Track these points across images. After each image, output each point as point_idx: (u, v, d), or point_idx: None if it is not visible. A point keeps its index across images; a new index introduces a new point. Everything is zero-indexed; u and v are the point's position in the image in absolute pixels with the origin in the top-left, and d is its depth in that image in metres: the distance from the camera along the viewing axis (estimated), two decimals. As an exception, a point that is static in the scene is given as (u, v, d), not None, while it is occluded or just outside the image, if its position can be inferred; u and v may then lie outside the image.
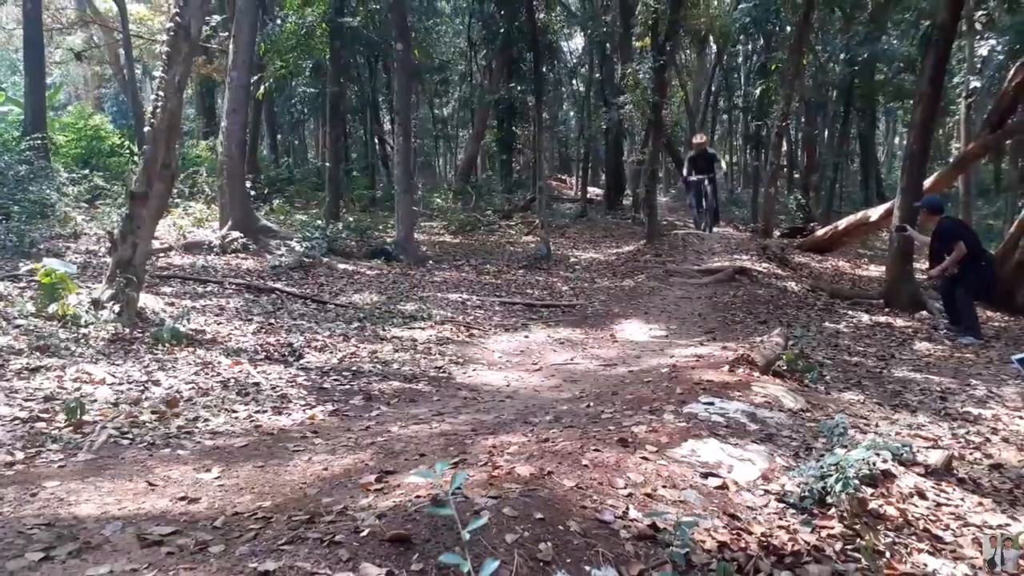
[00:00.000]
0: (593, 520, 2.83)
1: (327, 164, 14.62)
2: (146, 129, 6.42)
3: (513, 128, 20.88)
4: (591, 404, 4.73)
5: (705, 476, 3.43)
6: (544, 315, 8.74)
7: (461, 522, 2.01)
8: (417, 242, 12.33)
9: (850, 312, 8.93)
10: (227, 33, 11.96)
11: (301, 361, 5.98)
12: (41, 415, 4.38)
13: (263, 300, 8.09)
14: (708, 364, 5.78)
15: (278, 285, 8.77)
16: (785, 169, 21.24)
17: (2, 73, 31.00)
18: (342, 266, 10.54)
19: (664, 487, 3.23)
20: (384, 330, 7.27)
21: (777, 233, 15.34)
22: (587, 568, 2.51)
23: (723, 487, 3.34)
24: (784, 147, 19.03)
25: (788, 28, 17.93)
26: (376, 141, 21.79)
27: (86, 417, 4.29)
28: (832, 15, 17.62)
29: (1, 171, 10.91)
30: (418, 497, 2.89)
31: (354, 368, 5.91)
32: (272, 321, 7.23)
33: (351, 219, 13.51)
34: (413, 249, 11.66)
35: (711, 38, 21.72)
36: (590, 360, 6.70)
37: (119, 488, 3.35)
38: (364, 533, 2.52)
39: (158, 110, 6.20)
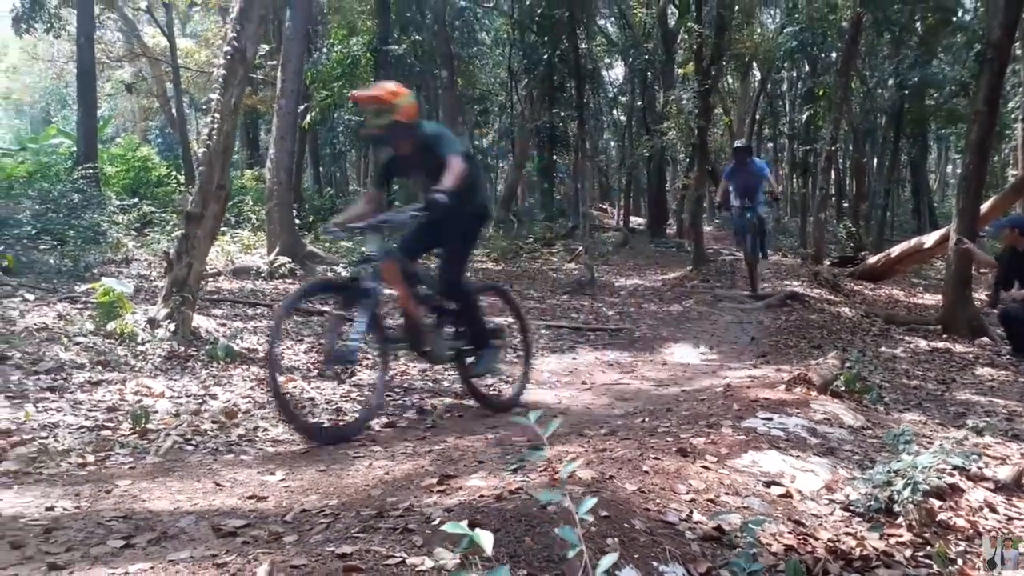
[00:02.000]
0: (657, 521, 2.81)
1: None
2: (201, 151, 6.63)
3: (554, 156, 21.05)
4: (645, 419, 4.70)
5: (767, 485, 3.38)
6: (591, 338, 8.71)
7: (573, 502, 2.01)
8: (461, 267, 12.41)
9: (906, 338, 8.75)
10: (275, 62, 12.33)
11: (353, 378, 6.05)
12: (106, 424, 4.51)
13: (312, 322, 8.22)
14: (763, 384, 5.70)
15: (326, 308, 8.91)
16: (834, 198, 21.01)
17: (54, 107, 32.33)
18: (387, 290, 10.64)
19: (726, 494, 3.19)
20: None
21: (827, 263, 15.12)
22: (654, 564, 2.50)
23: (786, 495, 3.29)
24: (832, 174, 18.84)
25: (834, 54, 17.89)
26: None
27: (149, 425, 4.41)
28: (880, 39, 17.50)
29: (56, 199, 11.34)
30: (482, 496, 2.90)
31: (405, 385, 5.97)
32: (322, 342, 7.33)
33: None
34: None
35: (755, 64, 21.71)
36: (640, 381, 6.67)
37: (188, 487, 3.43)
38: (435, 522, 2.55)
39: (213, 132, 6.40)
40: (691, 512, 2.89)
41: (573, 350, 8.03)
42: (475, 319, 5.05)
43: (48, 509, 3.13)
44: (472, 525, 2.54)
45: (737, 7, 15.76)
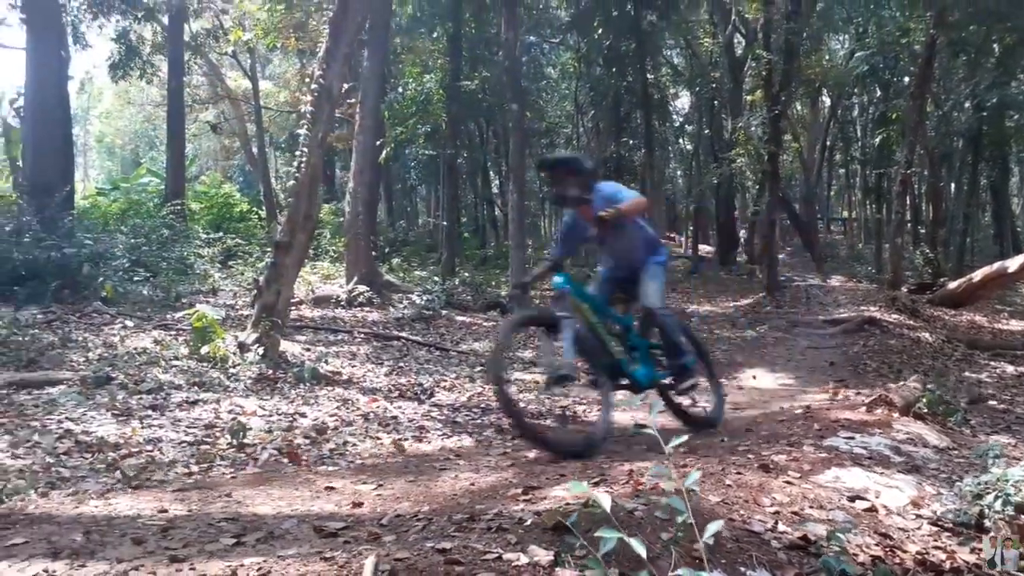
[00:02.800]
0: (742, 529, 2.85)
1: (443, 224, 15.27)
2: (290, 183, 7.00)
3: (621, 185, 21.11)
4: (724, 439, 4.72)
5: (852, 499, 3.38)
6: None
7: (691, 510, 2.10)
8: (531, 296, 12.59)
9: (991, 363, 8.47)
10: (352, 100, 12.86)
11: (432, 399, 6.24)
12: (205, 439, 4.79)
13: (390, 347, 8.49)
14: (843, 406, 5.64)
15: (403, 334, 9.18)
16: (909, 223, 20.43)
17: (142, 149, 34.28)
18: (460, 318, 10.91)
19: (811, 507, 3.21)
20: (506, 374, 7.46)
21: (904, 289, 14.70)
22: (741, 569, 2.55)
23: (871, 510, 3.28)
24: (908, 199, 18.36)
25: (906, 78, 17.54)
26: (486, 204, 22.54)
27: (246, 440, 4.66)
28: (956, 60, 17.09)
29: (147, 233, 12.02)
30: (568, 504, 3.00)
31: (483, 406, 6.11)
32: (401, 365, 7.57)
33: (466, 275, 13.98)
34: (527, 301, 11.90)
35: (825, 89, 21.46)
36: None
37: (288, 494, 3.62)
38: (528, 523, 2.66)
39: (302, 165, 6.76)
40: (776, 523, 2.92)
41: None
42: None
43: (162, 512, 3.37)
44: (559, 527, 2.66)
45: (806, 33, 15.67)
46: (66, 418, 4.93)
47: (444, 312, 10.84)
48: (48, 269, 8.57)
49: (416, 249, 18.92)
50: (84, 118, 26.94)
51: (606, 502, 1.77)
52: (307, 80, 7.49)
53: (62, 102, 11.19)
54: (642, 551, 1.91)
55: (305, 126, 6.85)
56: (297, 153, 6.93)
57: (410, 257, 17.36)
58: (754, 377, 7.92)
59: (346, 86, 15.61)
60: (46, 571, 2.53)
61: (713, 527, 1.74)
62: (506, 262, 15.67)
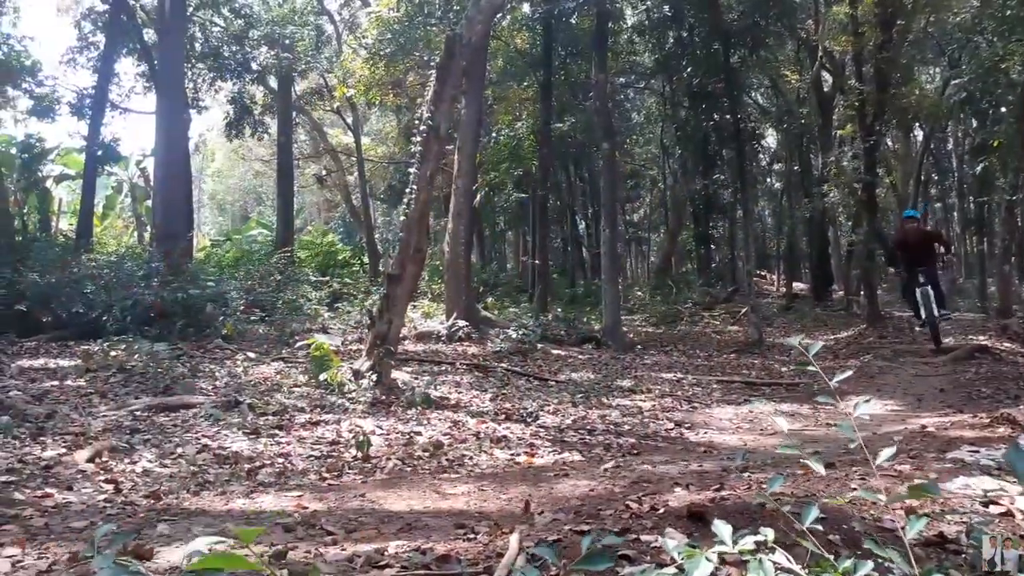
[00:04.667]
0: (874, 525, 2.88)
1: (535, 263, 15.56)
2: (401, 218, 7.38)
3: (710, 224, 21.05)
4: (843, 453, 4.67)
5: (986, 504, 3.32)
6: (766, 392, 8.60)
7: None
8: (623, 330, 12.64)
9: (1116, 389, 7.96)
10: (450, 147, 13.42)
11: (538, 421, 6.38)
12: (331, 454, 5.07)
13: (491, 377, 8.70)
14: (962, 426, 5.48)
15: (503, 365, 9.39)
16: (1014, 257, 19.48)
17: (250, 204, 36.40)
18: (555, 351, 11.05)
19: (942, 511, 3.18)
20: (607, 399, 7.54)
21: (1016, 318, 13.99)
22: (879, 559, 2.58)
23: (1008, 514, 3.21)
24: (1013, 229, 17.55)
25: (1003, 108, 16.97)
26: (573, 244, 22.82)
27: (370, 452, 4.91)
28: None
29: (260, 278, 12.76)
30: (693, 501, 3.07)
31: (588, 427, 6.21)
32: (504, 392, 7.76)
33: (559, 311, 14.16)
34: (620, 335, 11.97)
35: (919, 120, 20.93)
36: (825, 428, 6.53)
37: (416, 495, 3.83)
38: (661, 511, 2.76)
39: (412, 202, 7.13)
40: (905, 524, 2.91)
41: (748, 402, 7.96)
42: None
43: (303, 508, 3.62)
44: (693, 515, 2.76)
45: (897, 64, 15.44)
46: (203, 435, 5.30)
47: (540, 345, 11.02)
48: (175, 309, 9.25)
49: (507, 290, 19.32)
50: (198, 177, 29.03)
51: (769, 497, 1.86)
52: (412, 129, 7.94)
53: (185, 160, 12.23)
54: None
55: (415, 165, 7.23)
56: (407, 191, 7.32)
57: (502, 297, 17.73)
58: (866, 401, 7.71)
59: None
60: (210, 549, 2.79)
61: (886, 453, 1.81)
62: (595, 299, 15.79)
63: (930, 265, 10.18)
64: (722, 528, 1.87)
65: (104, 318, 8.98)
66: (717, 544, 1.84)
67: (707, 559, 1.73)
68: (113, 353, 7.71)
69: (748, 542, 1.80)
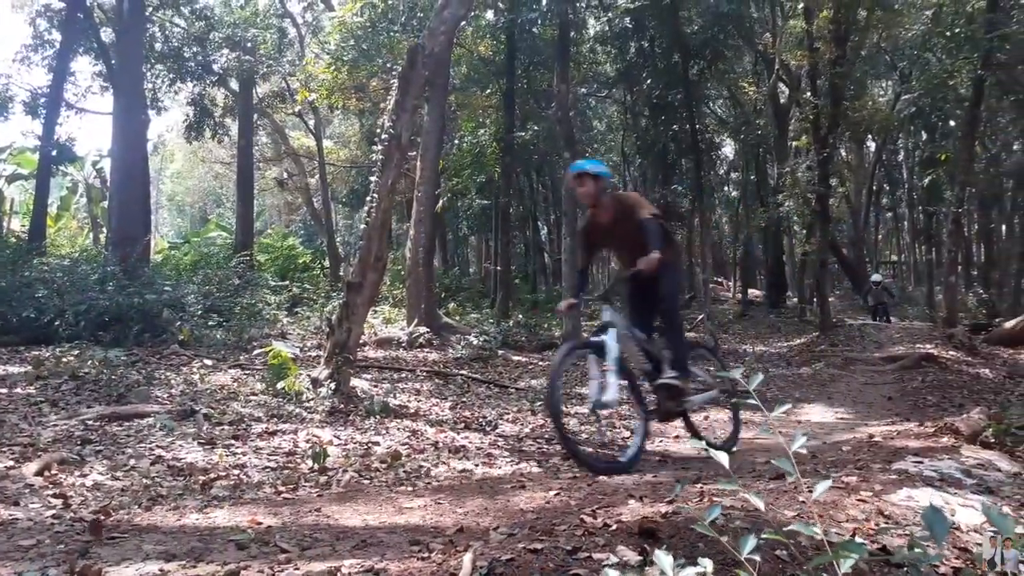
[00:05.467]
0: (821, 540, 2.94)
1: (497, 268, 15.60)
2: (361, 226, 7.35)
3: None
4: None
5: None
6: (721, 399, 8.74)
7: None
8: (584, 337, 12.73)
9: (1056, 397, 8.29)
10: (413, 153, 13.41)
11: (497, 430, 6.41)
12: (287, 465, 5.02)
13: (452, 384, 8.70)
14: (908, 435, 5.63)
15: (463, 372, 9.40)
16: (960, 266, 20.12)
17: (210, 206, 35.88)
18: (516, 357, 11.10)
19: (886, 523, 3.28)
20: (566, 407, 7.59)
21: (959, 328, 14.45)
22: (824, 574, 2.65)
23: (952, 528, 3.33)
24: (960, 240, 18.14)
25: (952, 121, 17.54)
26: (535, 251, 22.93)
27: (326, 464, 4.89)
28: (1004, 100, 17.04)
29: (218, 282, 12.58)
30: (645, 517, 3.13)
31: (546, 436, 6.26)
32: (464, 400, 7.78)
33: (520, 318, 14.22)
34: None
35: (871, 133, 21.53)
36: (777, 437, 6.67)
37: (373, 510, 3.82)
38: (613, 527, 2.81)
39: (372, 210, 7.11)
40: (853, 535, 3.01)
41: (704, 409, 8.09)
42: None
43: (257, 524, 3.59)
44: (644, 532, 2.82)
45: (850, 79, 15.84)
46: (156, 446, 5.22)
47: (500, 352, 11.06)
48: (130, 314, 9.07)
49: (470, 295, 19.32)
50: (156, 178, 28.48)
51: (714, 512, 1.92)
52: (374, 135, 7.94)
53: (143, 162, 11.99)
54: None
55: (376, 173, 7.21)
56: (368, 199, 7.29)
57: (464, 303, 17.73)
58: (809, 409, 7.92)
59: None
60: (161, 571, 2.76)
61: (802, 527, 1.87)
62: (556, 305, 15.89)
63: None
64: (663, 559, 1.91)
65: (56, 323, 8.77)
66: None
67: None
68: (65, 359, 7.55)
69: (689, 573, 1.85)
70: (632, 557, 2.60)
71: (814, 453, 5.09)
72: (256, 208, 28.05)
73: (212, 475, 4.69)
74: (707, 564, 1.79)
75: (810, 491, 3.85)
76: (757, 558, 1.87)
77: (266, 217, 30.97)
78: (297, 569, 2.83)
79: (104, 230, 19.09)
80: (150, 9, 14.63)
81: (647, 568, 2.51)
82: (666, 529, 2.80)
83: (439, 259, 22.88)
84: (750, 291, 21.65)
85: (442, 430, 6.16)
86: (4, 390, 6.54)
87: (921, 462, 4.44)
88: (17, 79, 15.26)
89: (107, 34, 15.23)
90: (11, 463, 4.48)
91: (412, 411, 6.92)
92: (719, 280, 27.94)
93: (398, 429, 6.09)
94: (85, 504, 3.90)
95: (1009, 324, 13.11)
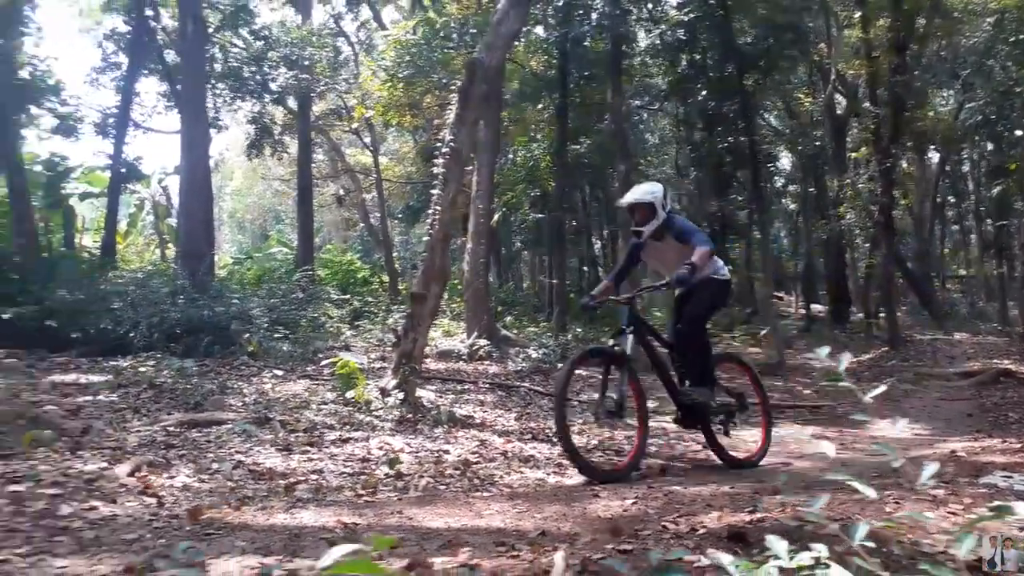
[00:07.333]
0: (913, 549, 2.89)
1: (553, 282, 15.64)
2: (424, 239, 7.47)
3: (726, 245, 21.06)
4: (875, 477, 4.68)
5: (1022, 530, 3.34)
6: (790, 415, 8.62)
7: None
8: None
9: None
10: (470, 167, 13.58)
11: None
12: (363, 471, 5.12)
13: (514, 396, 8.75)
14: (993, 451, 5.48)
15: (525, 384, 9.44)
16: (1036, 280, 19.40)
17: (270, 223, 36.83)
18: (576, 371, 11.07)
19: (980, 536, 3.19)
20: (632, 420, 7.54)
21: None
22: (923, 579, 2.60)
23: (1045, 539, 3.23)
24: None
25: (1019, 131, 17.02)
26: (589, 264, 22.91)
27: (401, 470, 4.97)
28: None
29: (282, 296, 12.89)
30: (730, 524, 3.11)
31: (615, 448, 6.25)
32: (528, 412, 7.81)
33: (577, 330, 14.20)
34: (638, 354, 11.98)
35: (934, 143, 20.99)
36: (851, 451, 6.54)
37: (452, 513, 3.88)
38: (701, 532, 2.80)
39: (435, 223, 7.23)
40: (946, 547, 2.94)
41: (773, 425, 7.97)
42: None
43: (343, 524, 3.67)
44: (733, 536, 2.80)
45: (912, 88, 15.51)
46: (236, 451, 5.38)
47: (560, 365, 11.05)
48: (201, 326, 9.37)
49: (525, 309, 19.39)
50: (217, 196, 29.47)
51: (820, 515, 1.91)
52: (432, 150, 8.09)
53: (207, 178, 12.40)
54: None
55: (437, 187, 7.34)
56: (430, 212, 7.42)
57: (520, 316, 17.80)
58: (890, 423, 7.72)
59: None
60: (261, 564, 2.85)
61: (929, 470, 1.84)
62: (613, 319, 15.82)
63: None
64: (777, 544, 1.91)
65: (131, 334, 9.11)
66: (772, 560, 1.88)
67: (768, 572, 1.78)
68: (142, 369, 7.82)
69: (804, 557, 1.84)
70: (727, 558, 2.59)
71: (896, 468, 4.96)
72: (315, 224, 28.76)
73: (292, 479, 4.81)
74: (822, 548, 1.79)
75: (897, 503, 3.78)
76: (871, 544, 1.86)
77: (324, 233, 31.69)
78: (389, 564, 2.90)
79: (170, 245, 19.76)
80: (211, 30, 15.16)
81: (734, 568, 2.51)
82: (754, 533, 2.78)
83: (494, 273, 23.03)
84: (812, 306, 21.22)
85: (510, 440, 6.21)
86: (89, 397, 6.82)
87: (1011, 476, 4.32)
88: (87, 100, 16.02)
89: (170, 56, 15.84)
90: (104, 465, 4.67)
91: (478, 421, 6.99)
92: (779, 295, 27.43)
93: (466, 439, 6.15)
94: (177, 503, 4.05)
95: (1088, 338, 12.61)
